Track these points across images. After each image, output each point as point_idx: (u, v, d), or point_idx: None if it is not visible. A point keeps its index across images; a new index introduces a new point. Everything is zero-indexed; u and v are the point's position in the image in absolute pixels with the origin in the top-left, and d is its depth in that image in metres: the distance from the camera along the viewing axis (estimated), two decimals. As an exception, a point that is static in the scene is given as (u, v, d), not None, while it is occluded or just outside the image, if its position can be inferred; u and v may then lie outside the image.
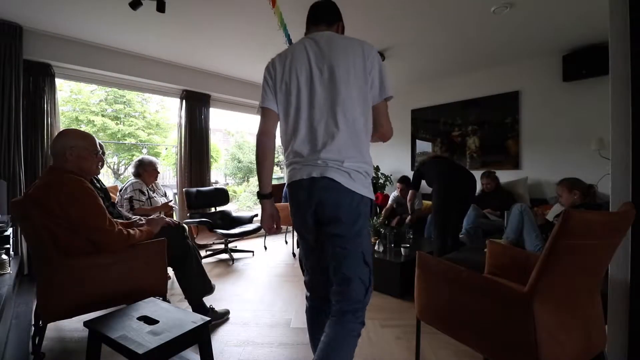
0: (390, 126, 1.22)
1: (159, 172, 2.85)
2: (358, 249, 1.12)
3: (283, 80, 1.17)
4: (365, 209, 1.13)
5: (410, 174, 4.50)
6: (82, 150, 1.57)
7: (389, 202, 4.20)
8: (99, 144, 2.12)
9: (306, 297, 1.38)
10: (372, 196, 1.16)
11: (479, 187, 3.59)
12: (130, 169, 2.82)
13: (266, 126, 1.20)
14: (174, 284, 2.54)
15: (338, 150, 1.08)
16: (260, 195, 1.23)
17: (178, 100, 3.95)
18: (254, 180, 10.33)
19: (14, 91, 2.68)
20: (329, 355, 1.02)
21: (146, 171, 2.73)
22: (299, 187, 1.13)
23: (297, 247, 3.51)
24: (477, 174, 3.63)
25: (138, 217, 2.22)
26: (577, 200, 2.33)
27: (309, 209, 1.13)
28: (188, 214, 3.55)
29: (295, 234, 3.85)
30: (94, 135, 1.77)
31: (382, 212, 4.13)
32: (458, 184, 2.89)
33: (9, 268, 2.01)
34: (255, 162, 1.24)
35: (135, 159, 2.85)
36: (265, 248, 4.09)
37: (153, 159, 2.82)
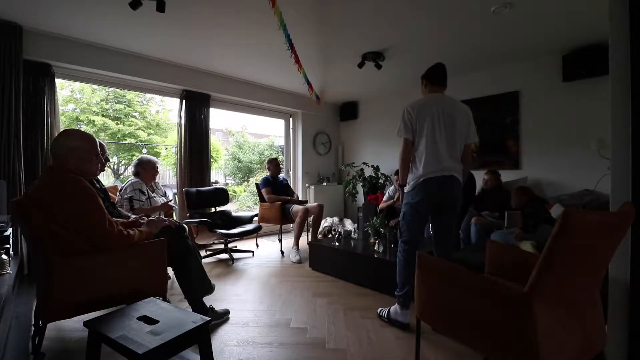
0: (469, 153, 2.07)
1: (157, 172, 2.84)
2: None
3: (421, 119, 1.95)
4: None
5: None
6: (83, 152, 1.56)
7: (385, 197, 4.15)
8: (102, 146, 2.12)
9: (404, 249, 2.00)
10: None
11: (479, 184, 3.59)
12: (131, 168, 2.81)
13: (407, 147, 2.00)
14: (174, 284, 2.54)
15: (457, 165, 1.96)
16: (400, 185, 2.11)
17: (178, 100, 3.95)
18: (253, 180, 10.34)
19: (14, 91, 2.67)
20: None
21: (145, 170, 2.73)
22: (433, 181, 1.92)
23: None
24: (477, 174, 3.64)
25: (139, 215, 2.22)
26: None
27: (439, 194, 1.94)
28: (188, 214, 3.55)
29: (282, 235, 4.00)
30: (94, 135, 1.77)
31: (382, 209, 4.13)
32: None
33: (9, 268, 2.01)
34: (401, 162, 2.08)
35: (136, 158, 2.85)
36: (257, 245, 4.19)
37: (153, 158, 2.82)
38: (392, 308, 2.01)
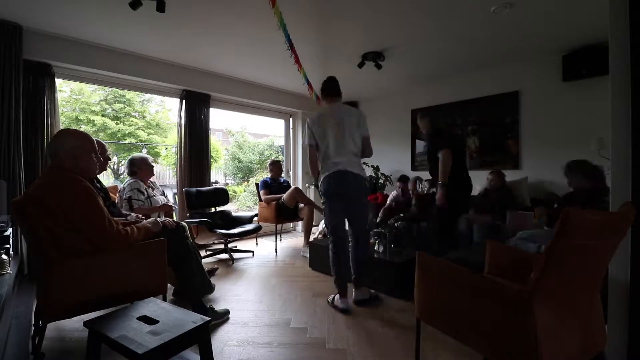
0: (370, 148, 2.45)
1: (153, 166, 2.83)
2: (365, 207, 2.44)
3: (320, 128, 2.32)
4: (364, 183, 2.37)
5: (410, 174, 4.50)
6: (81, 151, 1.56)
7: (388, 201, 4.21)
8: (102, 145, 2.12)
9: (330, 240, 2.33)
10: (366, 175, 2.41)
11: (482, 184, 3.58)
12: (125, 170, 2.80)
13: (312, 153, 2.38)
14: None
15: (351, 158, 2.30)
16: (315, 184, 2.24)
17: (178, 100, 3.95)
18: (253, 180, 10.34)
19: (14, 91, 2.67)
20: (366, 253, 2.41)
21: (140, 169, 2.72)
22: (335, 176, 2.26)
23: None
24: (477, 174, 3.64)
25: (138, 215, 2.22)
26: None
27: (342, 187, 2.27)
28: (188, 214, 3.55)
29: (276, 234, 4.29)
30: (94, 135, 1.77)
31: (381, 211, 4.14)
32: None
33: (9, 268, 2.00)
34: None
35: (125, 159, 2.84)
36: (257, 244, 4.25)
37: (144, 155, 2.80)
38: (336, 296, 2.27)
